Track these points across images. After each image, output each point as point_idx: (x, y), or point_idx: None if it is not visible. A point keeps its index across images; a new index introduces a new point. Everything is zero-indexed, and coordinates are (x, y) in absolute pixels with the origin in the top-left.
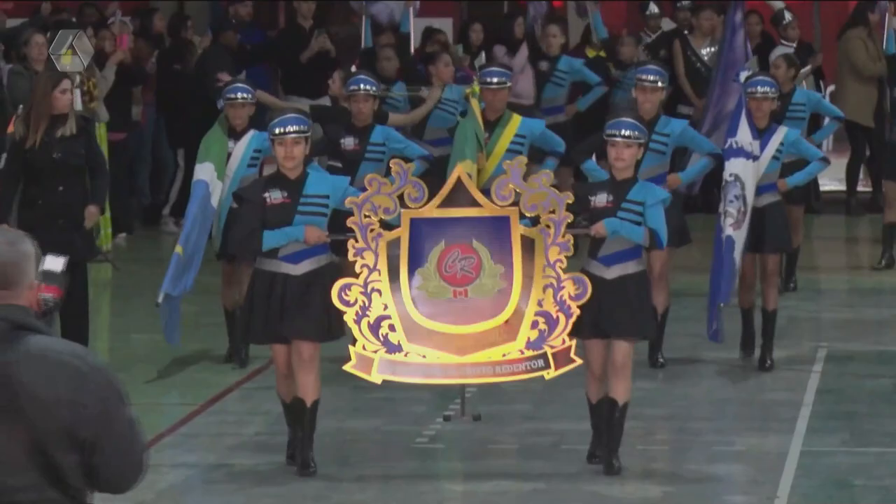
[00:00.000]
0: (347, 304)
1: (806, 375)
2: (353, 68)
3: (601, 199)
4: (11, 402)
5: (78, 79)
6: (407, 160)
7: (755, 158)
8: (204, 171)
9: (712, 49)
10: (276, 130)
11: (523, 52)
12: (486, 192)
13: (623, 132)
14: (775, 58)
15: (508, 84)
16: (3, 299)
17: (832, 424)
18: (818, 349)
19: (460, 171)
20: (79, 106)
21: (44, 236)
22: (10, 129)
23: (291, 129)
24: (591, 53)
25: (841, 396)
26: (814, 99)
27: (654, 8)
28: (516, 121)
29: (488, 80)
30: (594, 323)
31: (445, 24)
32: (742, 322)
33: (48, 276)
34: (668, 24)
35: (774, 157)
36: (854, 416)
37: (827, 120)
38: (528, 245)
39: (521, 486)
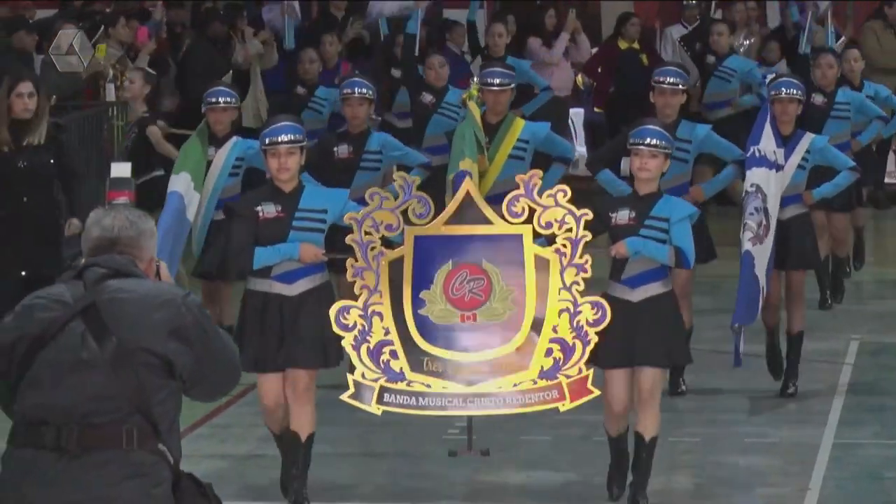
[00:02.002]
0: (346, 328)
1: (839, 368)
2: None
3: (623, 216)
4: (105, 330)
5: (111, 73)
6: (406, 169)
7: (779, 168)
8: (179, 182)
9: (748, 42)
10: (268, 140)
11: (560, 43)
12: (491, 201)
13: (649, 140)
14: (824, 57)
15: (512, 86)
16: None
17: (864, 417)
18: (851, 341)
19: (469, 185)
20: (112, 98)
21: (4, 249)
22: None
23: (285, 139)
24: (623, 45)
25: (873, 389)
26: (858, 99)
27: (692, 0)
28: (519, 124)
29: (489, 80)
30: (618, 351)
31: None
32: (766, 343)
33: (116, 182)
34: None
35: (800, 167)
36: (886, 409)
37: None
38: (543, 266)
39: (553, 478)
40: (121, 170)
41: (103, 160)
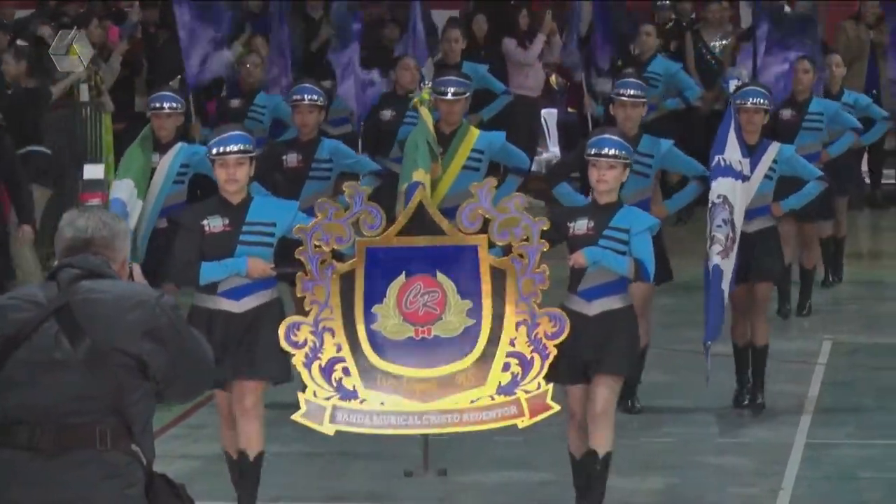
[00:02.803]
0: (296, 345)
1: (812, 368)
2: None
3: (581, 226)
4: (79, 331)
5: (85, 73)
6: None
7: (745, 178)
8: (121, 189)
9: (724, 42)
10: (215, 150)
11: (537, 44)
12: (443, 214)
13: (606, 151)
14: (800, 62)
15: (467, 95)
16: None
17: (838, 417)
18: (824, 341)
19: (422, 194)
20: (85, 98)
21: None
22: None
23: (234, 149)
24: None
25: (847, 389)
26: (832, 109)
27: (665, 0)
28: (473, 134)
29: (443, 90)
30: (575, 365)
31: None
32: (735, 360)
33: (89, 184)
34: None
35: (767, 177)
36: (860, 409)
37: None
38: (499, 277)
39: (528, 477)
40: (94, 171)
41: (77, 161)
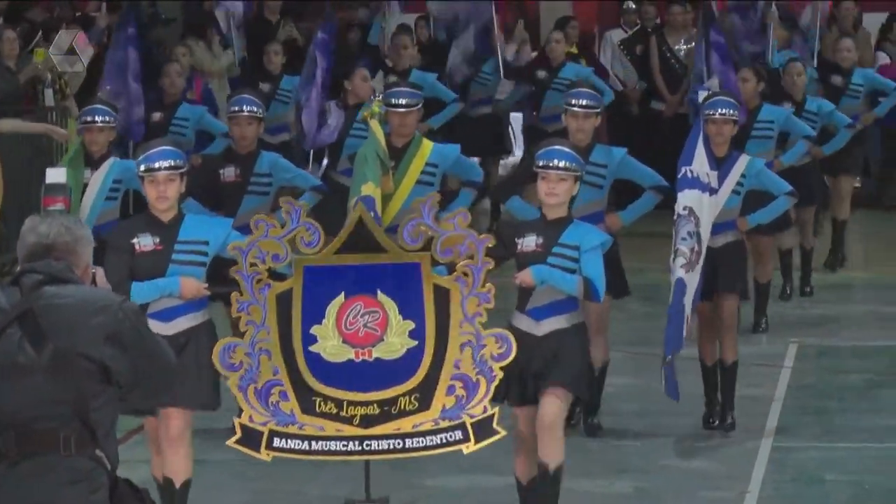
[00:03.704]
0: (231, 367)
1: (777, 371)
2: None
3: (529, 242)
4: (42, 336)
5: (49, 77)
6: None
7: (713, 192)
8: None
9: (688, 46)
10: (144, 167)
11: (509, 55)
12: (392, 231)
13: (556, 163)
14: (742, 70)
15: (419, 106)
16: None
17: (804, 420)
18: (789, 345)
19: (361, 210)
20: (50, 102)
21: None
22: None
23: (164, 165)
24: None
25: (812, 392)
26: (783, 116)
27: (631, 3)
28: (427, 147)
29: (394, 101)
30: (524, 386)
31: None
32: (703, 379)
33: (51, 188)
34: None
35: (735, 192)
36: (825, 412)
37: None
38: (443, 297)
39: (494, 482)
40: (56, 175)
41: (41, 166)
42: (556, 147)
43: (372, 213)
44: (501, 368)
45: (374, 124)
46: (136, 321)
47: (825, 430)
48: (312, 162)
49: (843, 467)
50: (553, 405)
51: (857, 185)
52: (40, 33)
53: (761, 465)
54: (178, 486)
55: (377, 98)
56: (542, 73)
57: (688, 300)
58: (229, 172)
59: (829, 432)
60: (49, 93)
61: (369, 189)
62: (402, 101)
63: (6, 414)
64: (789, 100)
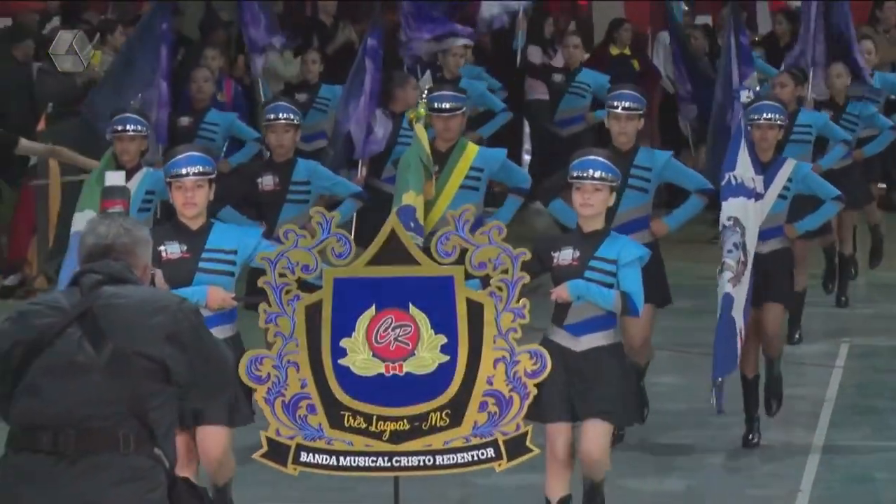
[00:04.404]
0: (259, 380)
1: (829, 370)
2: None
3: (566, 256)
4: (101, 335)
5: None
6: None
7: (758, 197)
8: (83, 221)
9: None
10: (173, 172)
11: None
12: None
13: (591, 173)
14: (780, 75)
15: (463, 110)
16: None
17: (855, 419)
18: (841, 344)
19: (394, 222)
20: None
21: None
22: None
23: (192, 171)
24: (614, 51)
25: (863, 391)
26: (821, 120)
27: (683, 5)
28: (472, 151)
29: (438, 105)
30: (560, 403)
31: None
32: (743, 395)
33: (110, 191)
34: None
35: (781, 196)
36: (876, 411)
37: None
38: (476, 311)
39: (543, 479)
40: (115, 178)
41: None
42: (591, 157)
43: (412, 223)
44: (535, 385)
45: (419, 128)
46: (194, 321)
47: (875, 429)
48: (350, 168)
49: (894, 466)
50: (598, 438)
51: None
52: (98, 35)
53: (812, 464)
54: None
55: (422, 100)
56: (558, 77)
57: (737, 314)
58: (268, 181)
59: (880, 431)
60: None
61: (410, 198)
62: (446, 105)
63: (64, 412)
64: (830, 102)
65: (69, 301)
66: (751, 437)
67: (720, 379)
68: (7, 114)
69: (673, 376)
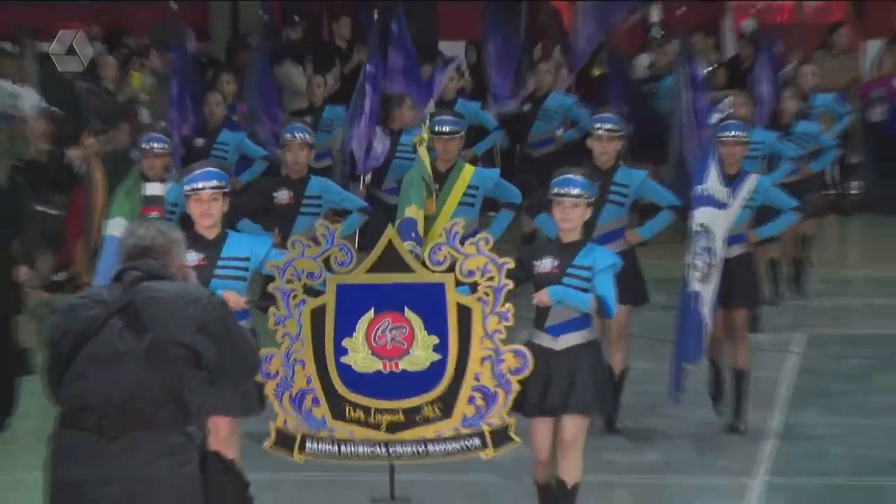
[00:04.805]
0: (268, 375)
1: (788, 357)
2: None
3: (546, 265)
4: (141, 325)
5: (145, 97)
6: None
7: (725, 207)
8: (115, 227)
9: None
10: (190, 186)
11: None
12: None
13: (569, 191)
14: (738, 96)
15: (461, 133)
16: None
17: (811, 400)
18: (798, 333)
19: (391, 233)
20: (147, 120)
21: None
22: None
23: (209, 185)
24: (596, 72)
25: (819, 375)
26: (771, 138)
27: (657, 29)
28: (469, 171)
29: (438, 129)
30: (541, 399)
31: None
32: (711, 374)
33: (150, 199)
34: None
35: (745, 207)
36: (831, 393)
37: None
38: (465, 314)
39: (523, 453)
40: (154, 189)
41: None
42: (570, 175)
43: (413, 234)
44: (519, 382)
45: (422, 150)
46: (222, 313)
47: (830, 409)
48: (353, 182)
49: (847, 442)
50: (573, 428)
51: (856, 191)
52: (136, 58)
53: (773, 440)
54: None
55: (425, 125)
56: (526, 107)
57: (706, 310)
58: (283, 195)
59: (834, 411)
60: (145, 112)
61: (412, 211)
62: (446, 129)
63: (107, 396)
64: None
65: (111, 295)
66: (717, 402)
67: (684, 364)
68: (56, 128)
69: (650, 362)
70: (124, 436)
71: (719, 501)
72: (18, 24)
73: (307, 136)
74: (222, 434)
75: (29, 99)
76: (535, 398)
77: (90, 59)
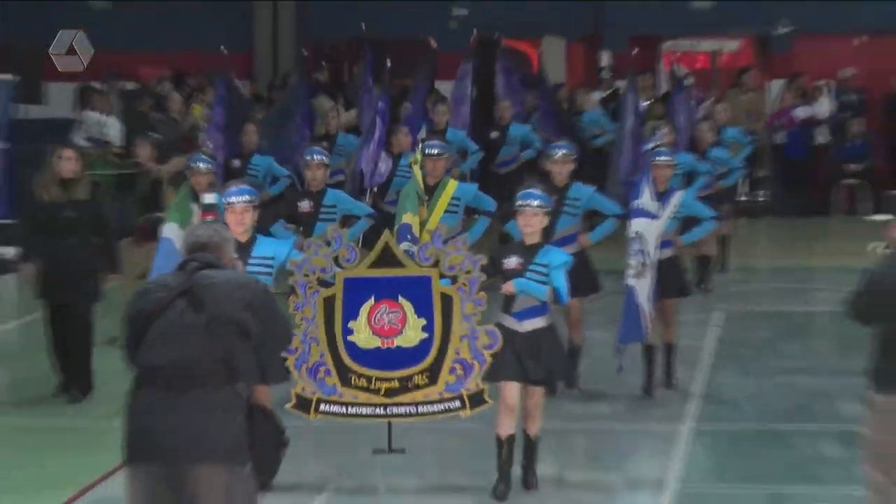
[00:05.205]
0: (289, 351)
1: (710, 329)
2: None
3: (512, 262)
4: (201, 304)
5: (205, 125)
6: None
7: (656, 218)
8: (169, 230)
9: (646, 103)
10: (226, 200)
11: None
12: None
13: (531, 202)
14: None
15: (447, 155)
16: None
17: (728, 363)
18: (715, 311)
19: (388, 237)
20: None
21: (48, 278)
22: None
23: (241, 200)
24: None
25: (733, 344)
26: (690, 160)
27: (605, 73)
28: (453, 185)
29: (428, 151)
30: (510, 368)
31: None
32: (644, 357)
33: (207, 207)
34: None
35: (672, 217)
36: (743, 359)
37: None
38: (448, 301)
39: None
40: (210, 199)
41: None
42: (531, 190)
43: (409, 236)
44: (491, 355)
45: (416, 169)
46: (265, 295)
47: (744, 371)
48: (360, 194)
49: (755, 396)
50: (537, 395)
51: (763, 199)
52: (197, 94)
53: (699, 395)
54: None
55: (418, 148)
56: (494, 134)
57: (643, 300)
58: (305, 205)
59: (745, 373)
60: (204, 137)
61: (408, 218)
62: (435, 151)
63: (173, 361)
64: (697, 148)
65: (175, 281)
66: (648, 390)
67: (621, 345)
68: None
69: (603, 334)
70: (187, 393)
71: (656, 443)
72: (106, 68)
73: (324, 157)
74: (262, 393)
75: (113, 127)
76: (505, 367)
77: (161, 95)
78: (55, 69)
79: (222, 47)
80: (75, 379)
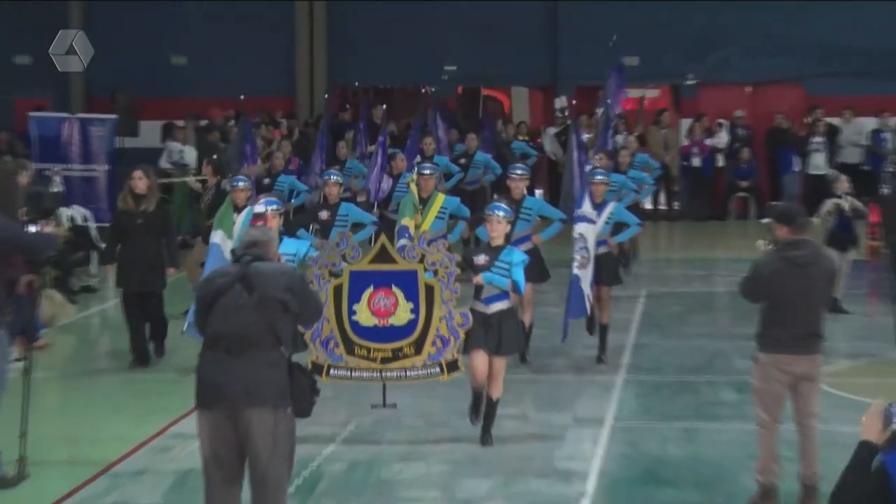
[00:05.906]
0: (306, 327)
1: (637, 304)
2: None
3: (481, 259)
4: (253, 287)
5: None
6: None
7: (594, 223)
8: (216, 236)
9: (588, 137)
10: (258, 209)
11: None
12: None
13: (496, 213)
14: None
15: (436, 175)
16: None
17: (651, 330)
18: (643, 290)
19: (384, 240)
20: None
21: (126, 274)
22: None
23: (269, 208)
24: (520, 137)
25: (655, 316)
26: (620, 179)
27: (559, 113)
28: (441, 198)
29: (420, 171)
30: (478, 342)
31: None
32: (587, 325)
33: (257, 214)
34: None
35: (606, 223)
36: (662, 326)
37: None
38: (430, 290)
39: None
40: (259, 207)
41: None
42: (497, 203)
43: (407, 235)
44: (465, 333)
45: (413, 186)
46: (301, 281)
47: (663, 335)
48: (369, 208)
49: (672, 354)
50: (499, 363)
51: (677, 207)
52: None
53: (628, 352)
54: None
55: (415, 170)
56: (463, 160)
57: (585, 285)
58: (323, 214)
59: (664, 337)
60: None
61: (406, 221)
62: (426, 172)
63: (233, 329)
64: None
65: (233, 270)
66: (602, 356)
67: (569, 320)
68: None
69: (555, 310)
70: (242, 354)
71: (596, 390)
72: (184, 109)
73: (338, 177)
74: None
75: (189, 154)
76: (475, 341)
77: (225, 129)
78: (147, 110)
79: (242, 96)
80: (155, 342)
